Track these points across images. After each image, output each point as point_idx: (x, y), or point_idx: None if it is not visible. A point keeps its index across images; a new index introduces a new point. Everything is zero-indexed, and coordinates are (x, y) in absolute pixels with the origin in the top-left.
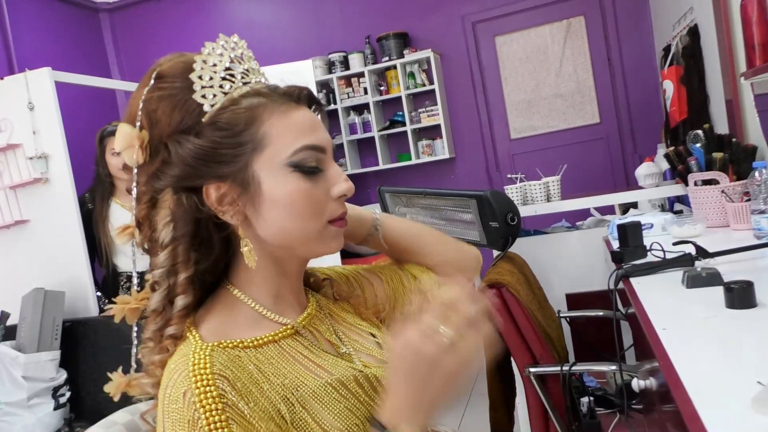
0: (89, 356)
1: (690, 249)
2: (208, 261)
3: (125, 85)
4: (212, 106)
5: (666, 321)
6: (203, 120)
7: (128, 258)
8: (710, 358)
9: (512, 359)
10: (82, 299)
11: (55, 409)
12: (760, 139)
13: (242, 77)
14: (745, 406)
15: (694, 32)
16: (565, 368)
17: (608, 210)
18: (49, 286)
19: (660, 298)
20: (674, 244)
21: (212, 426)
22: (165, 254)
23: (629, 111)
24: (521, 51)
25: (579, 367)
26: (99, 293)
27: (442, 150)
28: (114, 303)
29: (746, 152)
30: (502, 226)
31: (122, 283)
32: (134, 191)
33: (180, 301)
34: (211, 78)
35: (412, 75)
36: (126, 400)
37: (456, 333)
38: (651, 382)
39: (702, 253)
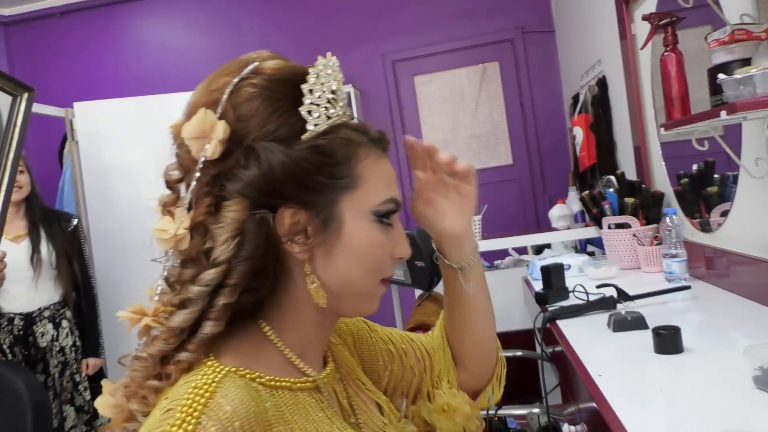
0: None
1: (611, 291)
2: (257, 294)
3: None
4: (315, 125)
5: (600, 367)
6: (302, 137)
7: (11, 297)
8: (653, 407)
9: None
10: None
11: None
12: (666, 186)
13: (342, 105)
14: None
15: (602, 83)
16: (491, 412)
17: (521, 250)
18: None
19: (589, 341)
20: (598, 286)
21: None
22: (215, 272)
23: (540, 154)
24: (439, 91)
25: (504, 411)
26: None
27: None
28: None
29: (655, 198)
30: (427, 266)
31: (3, 325)
32: (191, 188)
33: (209, 327)
34: (320, 96)
35: None
36: None
37: None
38: (583, 428)
39: (623, 295)
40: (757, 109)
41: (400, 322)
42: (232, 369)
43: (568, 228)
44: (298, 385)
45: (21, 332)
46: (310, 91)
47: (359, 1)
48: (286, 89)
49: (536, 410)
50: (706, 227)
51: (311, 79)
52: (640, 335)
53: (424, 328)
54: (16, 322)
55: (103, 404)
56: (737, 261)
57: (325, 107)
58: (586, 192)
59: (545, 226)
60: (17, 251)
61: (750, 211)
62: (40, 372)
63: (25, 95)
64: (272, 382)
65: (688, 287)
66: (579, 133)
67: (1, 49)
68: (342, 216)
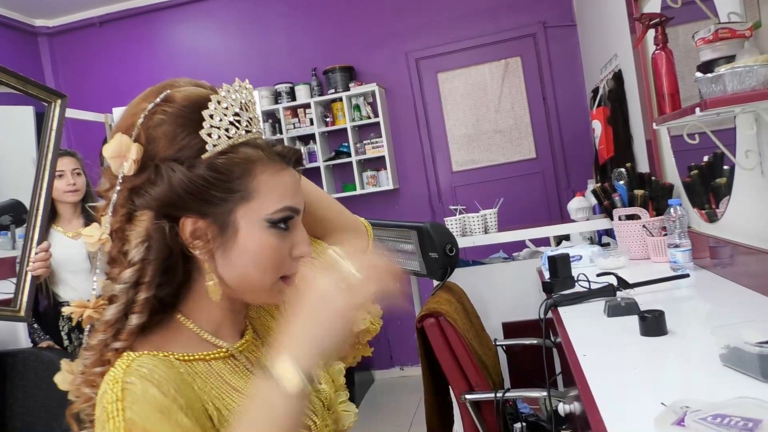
0: (17, 390)
1: (612, 280)
2: (170, 287)
3: None
4: (214, 146)
5: (587, 348)
6: (202, 157)
7: (69, 288)
8: (623, 382)
9: (450, 387)
10: (11, 331)
11: None
12: (675, 178)
13: (246, 125)
14: (649, 426)
15: (618, 77)
16: (499, 395)
17: (544, 242)
18: None
19: (583, 326)
20: (598, 275)
21: (111, 414)
22: (131, 271)
23: (563, 147)
24: (462, 87)
25: (511, 394)
26: (36, 325)
27: (386, 181)
28: (48, 338)
29: (664, 190)
30: (441, 257)
31: (62, 313)
32: (113, 200)
33: (135, 319)
34: (220, 120)
35: (357, 107)
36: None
37: (356, 276)
38: (575, 407)
39: (622, 283)
40: (725, 106)
41: (418, 310)
42: (146, 352)
43: (587, 220)
44: (212, 355)
45: (78, 319)
46: (210, 116)
47: (383, 2)
48: (191, 115)
49: (543, 393)
50: (712, 218)
51: (211, 105)
52: (631, 320)
53: (434, 316)
54: None
55: (60, 380)
56: (736, 251)
57: (226, 129)
58: (598, 184)
59: (569, 218)
60: (75, 247)
61: (745, 202)
62: None
63: (59, 101)
64: (186, 357)
65: (686, 275)
66: (598, 126)
67: (46, 59)
68: (237, 223)
